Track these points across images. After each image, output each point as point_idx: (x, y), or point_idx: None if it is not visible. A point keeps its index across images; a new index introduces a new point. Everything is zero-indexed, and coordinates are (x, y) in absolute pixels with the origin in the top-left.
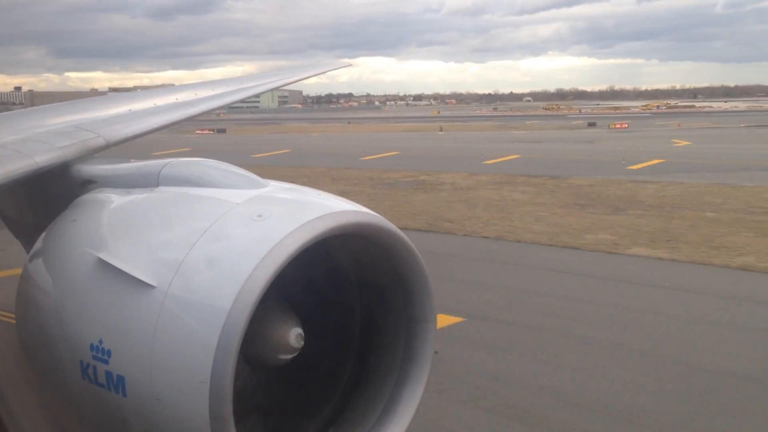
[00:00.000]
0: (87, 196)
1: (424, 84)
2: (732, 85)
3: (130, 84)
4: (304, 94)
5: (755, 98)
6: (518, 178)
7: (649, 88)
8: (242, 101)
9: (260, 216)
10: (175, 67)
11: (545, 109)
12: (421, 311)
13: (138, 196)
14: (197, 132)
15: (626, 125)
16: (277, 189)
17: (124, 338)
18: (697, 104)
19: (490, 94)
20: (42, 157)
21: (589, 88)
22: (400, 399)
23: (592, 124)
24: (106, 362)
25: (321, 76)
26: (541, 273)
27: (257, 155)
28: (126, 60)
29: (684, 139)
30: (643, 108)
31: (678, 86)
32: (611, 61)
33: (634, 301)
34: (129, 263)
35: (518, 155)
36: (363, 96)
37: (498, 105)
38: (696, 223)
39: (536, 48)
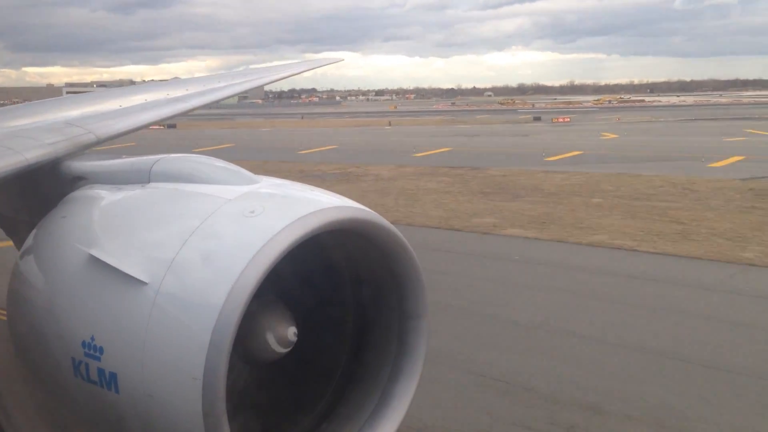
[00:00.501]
0: (77, 193)
1: (389, 79)
2: (688, 79)
3: (88, 79)
4: (267, 89)
5: (705, 93)
6: (441, 170)
7: (608, 83)
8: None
9: (252, 212)
10: (135, 62)
11: (500, 103)
12: (415, 307)
13: (129, 193)
14: (151, 127)
15: (568, 119)
16: (269, 185)
17: (116, 335)
18: (648, 99)
19: (452, 88)
20: (32, 154)
21: (550, 83)
22: (393, 394)
23: (537, 119)
24: (99, 359)
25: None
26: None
27: (198, 149)
28: (85, 54)
29: (615, 132)
30: (595, 102)
31: (636, 81)
32: (574, 55)
33: (478, 270)
34: (120, 260)
35: (450, 148)
36: (326, 91)
37: (458, 99)
38: (578, 207)
39: (500, 43)
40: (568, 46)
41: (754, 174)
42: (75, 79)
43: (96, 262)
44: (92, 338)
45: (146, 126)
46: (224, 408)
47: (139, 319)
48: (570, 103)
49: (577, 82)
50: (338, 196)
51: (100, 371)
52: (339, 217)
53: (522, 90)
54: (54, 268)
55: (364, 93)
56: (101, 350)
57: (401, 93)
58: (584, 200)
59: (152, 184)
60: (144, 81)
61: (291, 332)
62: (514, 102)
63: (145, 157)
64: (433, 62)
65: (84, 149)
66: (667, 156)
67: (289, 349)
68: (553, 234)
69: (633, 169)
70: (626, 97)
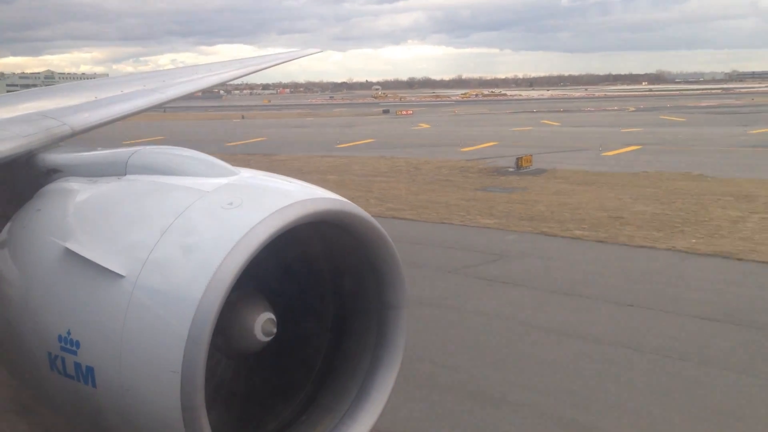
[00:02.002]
0: (52, 186)
1: (286, 72)
2: (572, 74)
3: None
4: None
5: (576, 87)
6: (238, 156)
7: (495, 77)
8: None
9: (231, 204)
10: (15, 53)
11: (373, 97)
12: (393, 297)
13: (105, 185)
14: None
15: (411, 112)
16: (247, 177)
17: (92, 329)
18: (509, 93)
19: (345, 82)
20: (5, 146)
21: (438, 77)
22: (372, 385)
23: (386, 111)
24: (75, 353)
25: (179, 64)
26: None
27: None
28: None
29: (433, 123)
30: (462, 96)
31: (521, 75)
32: (468, 50)
33: None
34: (96, 253)
35: (265, 138)
36: (217, 85)
37: (343, 93)
38: (313, 182)
39: (396, 37)
40: (462, 40)
41: (492, 155)
42: None
43: (72, 256)
44: (68, 332)
45: (122, 118)
46: (203, 401)
47: (116, 313)
48: (439, 96)
49: (464, 76)
50: (317, 187)
51: (77, 365)
52: (317, 208)
53: (410, 84)
54: (29, 261)
55: (251, 87)
56: (77, 344)
57: (292, 86)
58: (321, 177)
59: (129, 177)
60: (24, 73)
61: (270, 324)
62: (385, 95)
63: (121, 149)
64: (330, 56)
65: (59, 141)
66: (445, 142)
67: (268, 340)
68: None
69: (399, 153)
70: (497, 91)
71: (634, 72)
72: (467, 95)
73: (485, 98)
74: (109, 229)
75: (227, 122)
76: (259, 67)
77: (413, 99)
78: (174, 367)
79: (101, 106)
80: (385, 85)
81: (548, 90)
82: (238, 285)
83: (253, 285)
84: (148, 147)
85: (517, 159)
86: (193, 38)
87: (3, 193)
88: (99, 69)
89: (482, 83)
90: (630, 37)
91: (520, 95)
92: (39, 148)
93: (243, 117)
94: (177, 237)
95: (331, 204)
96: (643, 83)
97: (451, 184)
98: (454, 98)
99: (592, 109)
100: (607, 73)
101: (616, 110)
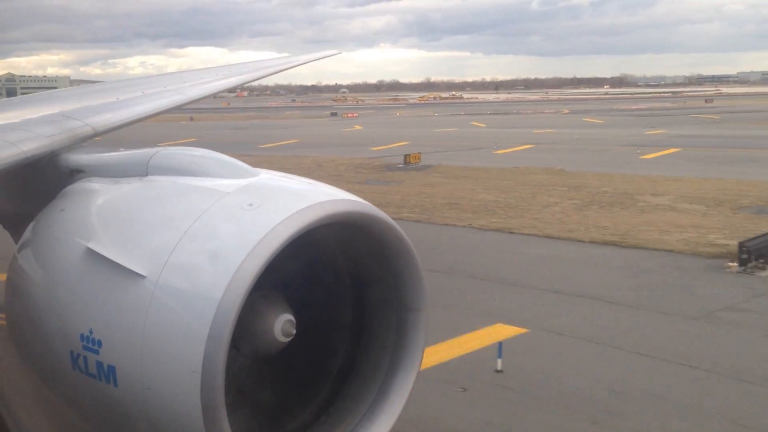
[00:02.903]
0: (75, 186)
1: None
2: (543, 77)
3: None
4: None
5: (538, 90)
6: None
7: (464, 80)
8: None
9: (251, 205)
10: None
11: (333, 100)
12: (413, 300)
13: (127, 186)
14: None
15: (356, 115)
16: (267, 178)
17: (114, 328)
18: (466, 96)
19: (314, 85)
20: (29, 146)
21: (407, 80)
22: (391, 387)
23: (334, 114)
24: (97, 352)
25: (149, 66)
26: None
27: None
28: None
29: (370, 125)
30: (420, 99)
31: (489, 78)
32: (440, 53)
33: None
34: (119, 253)
35: (196, 139)
36: None
37: (309, 96)
38: None
39: (368, 40)
40: (433, 44)
41: (396, 153)
42: None
43: (94, 256)
44: (90, 331)
45: (143, 119)
46: (223, 400)
47: (137, 313)
48: (397, 99)
49: (433, 79)
50: (337, 189)
51: (99, 364)
52: (337, 210)
53: (377, 87)
54: (52, 261)
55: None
56: (99, 343)
57: (259, 90)
58: None
59: (150, 178)
60: None
61: (289, 324)
62: (345, 99)
63: (142, 150)
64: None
65: (81, 142)
66: (362, 143)
67: (287, 341)
68: None
69: (315, 152)
70: (457, 94)
71: (601, 75)
72: (425, 98)
73: (442, 101)
74: (131, 230)
75: (174, 124)
76: (277, 69)
77: (372, 102)
78: (194, 366)
79: (122, 107)
80: (354, 88)
81: (509, 93)
82: (257, 286)
83: (272, 286)
84: (169, 148)
85: (405, 156)
86: (163, 41)
87: (27, 192)
88: (66, 72)
89: (450, 86)
90: (599, 41)
91: (477, 98)
92: (62, 149)
93: (192, 119)
94: (197, 238)
95: (350, 206)
96: (606, 87)
97: (341, 178)
98: (411, 101)
99: (531, 112)
100: (575, 76)
101: (552, 113)
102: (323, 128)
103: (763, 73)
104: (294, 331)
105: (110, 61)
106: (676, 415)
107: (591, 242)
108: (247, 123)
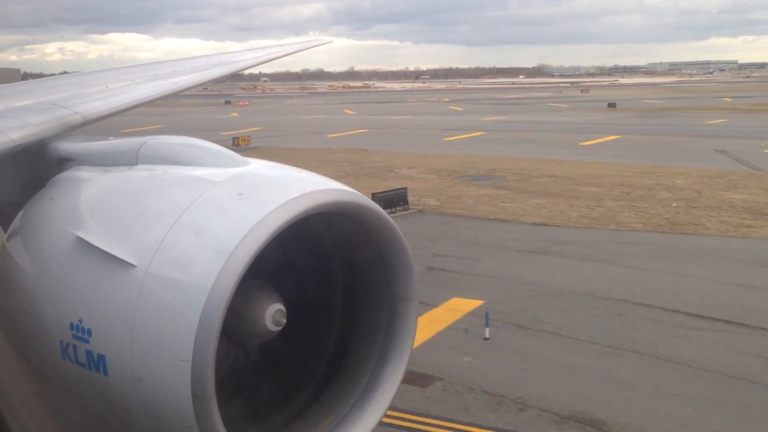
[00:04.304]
0: (65, 174)
1: None
2: (465, 67)
3: None
4: (33, 71)
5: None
6: None
7: (385, 70)
8: None
9: (241, 194)
10: None
11: (243, 89)
12: (403, 289)
13: (117, 174)
14: None
15: (248, 103)
16: (258, 167)
17: (104, 317)
18: (379, 85)
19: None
20: (18, 134)
21: (332, 69)
22: (382, 376)
23: (228, 102)
24: (87, 341)
25: (68, 53)
26: None
27: None
28: None
29: (248, 113)
30: (329, 88)
31: (413, 68)
32: (368, 42)
33: None
34: (108, 242)
35: None
36: None
37: (227, 84)
38: None
39: (297, 28)
40: (362, 33)
41: (241, 137)
42: None
43: (84, 245)
44: (80, 320)
45: (133, 107)
46: (213, 389)
47: (127, 302)
48: (305, 88)
49: (357, 68)
50: (327, 178)
51: (89, 353)
52: (328, 199)
53: (299, 76)
54: (42, 250)
55: None
56: (89, 332)
57: None
58: None
59: (140, 166)
60: None
61: (280, 314)
62: (255, 87)
63: (132, 139)
64: (229, 46)
65: (70, 130)
66: (221, 128)
67: (278, 330)
68: None
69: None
70: (370, 83)
71: (524, 65)
72: (334, 87)
73: (349, 90)
74: (121, 219)
75: None
76: (270, 57)
77: (282, 90)
78: (185, 355)
79: (112, 95)
80: (278, 77)
81: (423, 82)
82: (248, 276)
83: (263, 276)
84: (158, 137)
85: (234, 139)
86: (84, 26)
87: (16, 181)
88: None
89: (373, 75)
90: (525, 31)
91: (384, 88)
92: (51, 137)
93: None
94: (188, 227)
95: (341, 195)
96: (521, 76)
97: None
98: (320, 90)
99: (414, 101)
100: (503, 66)
101: (432, 101)
102: (198, 115)
103: (671, 64)
104: (284, 321)
105: (27, 47)
106: None
107: None
108: (136, 111)
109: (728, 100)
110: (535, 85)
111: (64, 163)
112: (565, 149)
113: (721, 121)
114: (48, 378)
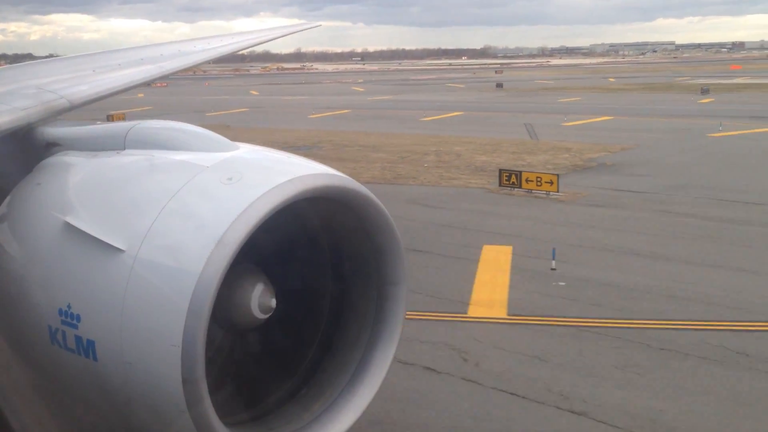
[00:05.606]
0: (52, 159)
1: (130, 44)
2: (413, 48)
3: None
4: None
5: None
6: None
7: (330, 51)
8: None
9: (230, 179)
10: None
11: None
12: (393, 273)
13: (104, 159)
14: None
15: (166, 84)
16: (247, 152)
17: (93, 303)
18: (317, 66)
19: None
20: (3, 119)
21: (278, 51)
22: (371, 360)
23: (147, 85)
24: (76, 327)
25: (9, 34)
26: None
27: None
28: None
29: (159, 94)
30: (263, 69)
31: (360, 50)
32: (321, 23)
33: None
34: (97, 227)
35: None
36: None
37: None
38: None
39: (248, 9)
40: (315, 13)
41: (131, 117)
42: None
43: (72, 230)
44: (69, 306)
45: (120, 91)
46: (203, 374)
47: (116, 287)
48: (238, 70)
49: (303, 50)
50: (317, 163)
51: (78, 339)
52: (317, 184)
53: (242, 58)
54: (29, 235)
55: None
56: (78, 318)
57: None
58: None
59: (128, 151)
60: None
61: (270, 299)
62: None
63: (119, 124)
64: (177, 27)
65: (57, 115)
66: (117, 108)
67: (268, 315)
68: None
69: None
70: (309, 65)
71: (473, 47)
72: (267, 68)
73: (281, 72)
74: (109, 204)
75: None
76: (255, 41)
77: (216, 72)
78: (174, 340)
79: (99, 79)
80: (223, 58)
81: (364, 64)
82: (237, 261)
83: (252, 261)
84: (146, 121)
85: (108, 115)
86: (25, 6)
87: (2, 166)
88: None
89: (319, 57)
90: (477, 13)
91: (317, 69)
92: (38, 122)
93: None
94: (176, 212)
95: (331, 180)
96: (463, 57)
97: None
98: (253, 72)
99: (329, 82)
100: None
101: (348, 82)
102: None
103: (611, 45)
104: (274, 306)
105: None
106: None
107: None
108: None
109: (612, 80)
110: (460, 67)
111: (50, 148)
112: (406, 123)
113: (575, 99)
114: (38, 365)
